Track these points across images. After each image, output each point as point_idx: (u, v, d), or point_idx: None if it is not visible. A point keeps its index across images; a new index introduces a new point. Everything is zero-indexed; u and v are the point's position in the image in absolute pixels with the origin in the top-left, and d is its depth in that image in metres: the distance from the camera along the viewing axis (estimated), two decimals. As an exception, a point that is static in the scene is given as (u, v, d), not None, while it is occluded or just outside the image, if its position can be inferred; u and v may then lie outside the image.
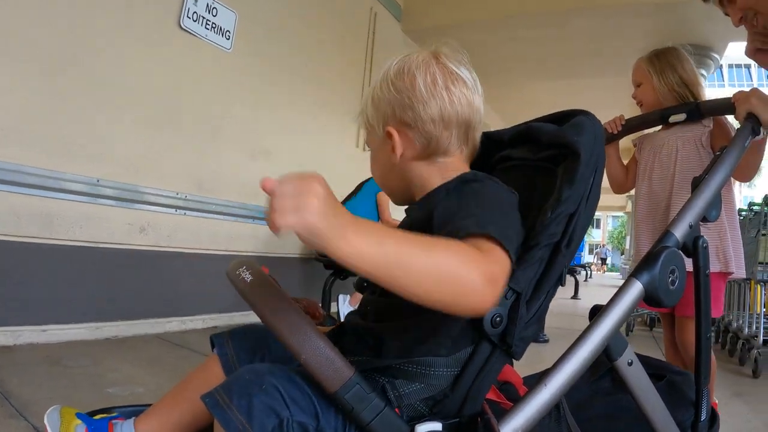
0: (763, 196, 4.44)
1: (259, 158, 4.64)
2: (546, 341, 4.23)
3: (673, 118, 2.02)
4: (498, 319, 0.91)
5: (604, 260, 36.55)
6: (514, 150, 1.14)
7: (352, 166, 5.82)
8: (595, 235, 49.99)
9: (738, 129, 1.52)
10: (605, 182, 1.31)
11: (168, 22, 3.74)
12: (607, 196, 2.29)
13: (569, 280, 10.40)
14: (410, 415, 0.93)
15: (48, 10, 3.01)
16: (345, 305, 4.79)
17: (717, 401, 1.98)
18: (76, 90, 3.18)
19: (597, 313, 1.02)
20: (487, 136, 1.17)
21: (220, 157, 4.24)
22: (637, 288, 1.03)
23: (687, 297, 1.98)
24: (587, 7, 5.93)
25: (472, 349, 0.95)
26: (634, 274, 1.04)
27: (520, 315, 0.92)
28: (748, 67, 37.97)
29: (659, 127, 2.24)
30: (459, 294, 0.78)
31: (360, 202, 4.88)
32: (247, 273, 0.93)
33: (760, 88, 1.65)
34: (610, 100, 9.86)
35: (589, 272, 20.94)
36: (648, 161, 2.22)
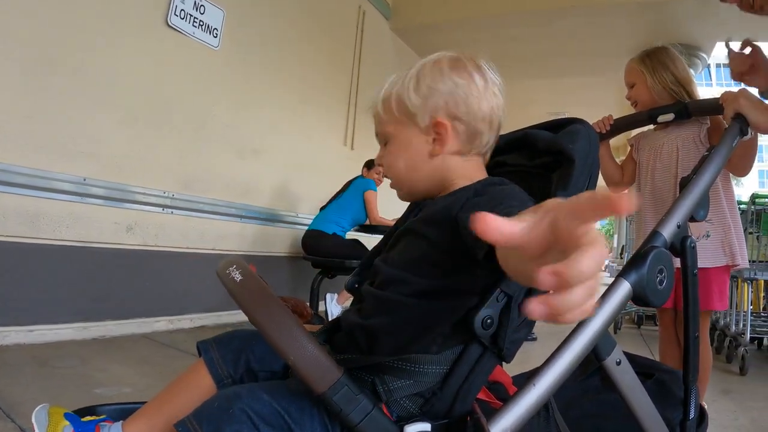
0: (750, 194, 4.47)
1: (246, 157, 4.62)
2: (534, 339, 4.24)
3: (661, 118, 2.03)
4: (489, 321, 0.91)
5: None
6: (509, 156, 1.15)
7: (340, 164, 5.84)
8: (582, 233, 50.31)
9: (726, 129, 1.53)
10: (600, 180, 1.31)
11: (155, 19, 3.72)
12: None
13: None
14: (400, 415, 0.93)
15: (33, 7, 2.99)
16: (333, 303, 4.79)
17: (704, 403, 2.00)
18: (62, 88, 3.16)
19: (585, 313, 1.02)
20: None
21: (207, 155, 4.22)
22: (625, 288, 1.03)
23: (700, 291, 2.01)
24: (574, 6, 5.95)
25: (462, 349, 0.95)
26: (622, 274, 1.04)
27: (512, 318, 0.93)
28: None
29: (653, 127, 2.25)
30: None
31: (348, 200, 4.88)
32: (237, 273, 0.92)
33: (748, 89, 1.67)
34: (597, 99, 9.94)
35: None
36: (649, 161, 2.23)
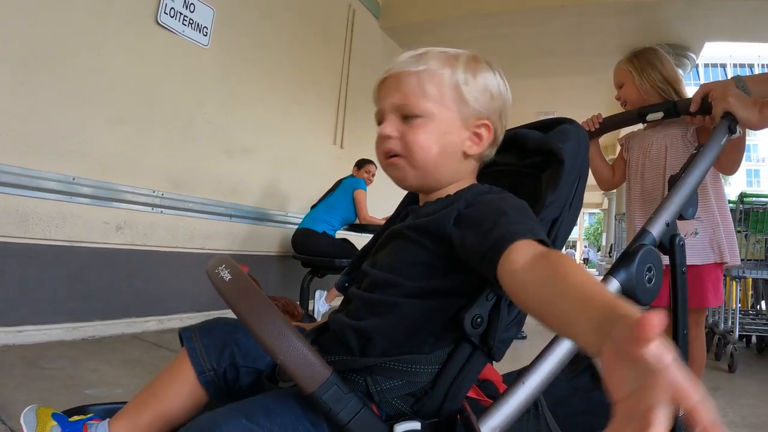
0: (738, 193, 4.50)
1: (236, 156, 4.62)
2: (524, 338, 4.25)
3: (650, 117, 2.04)
4: (479, 320, 0.91)
5: (586, 260, 36.64)
6: (499, 155, 1.14)
7: (329, 163, 5.84)
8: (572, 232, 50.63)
9: (715, 128, 1.53)
10: (591, 180, 1.32)
11: (145, 17, 3.70)
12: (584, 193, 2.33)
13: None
14: (389, 414, 0.93)
15: (20, 5, 2.97)
16: (320, 301, 4.80)
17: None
18: (51, 87, 3.14)
19: (575, 311, 1.02)
20: None
21: (196, 154, 4.21)
22: (614, 286, 1.03)
23: (693, 289, 2.03)
24: (564, 6, 5.97)
25: (453, 348, 0.95)
26: (611, 273, 1.04)
27: (501, 317, 0.93)
28: (723, 66, 38.55)
29: (643, 126, 2.27)
30: None
31: (337, 199, 4.89)
32: (227, 272, 0.92)
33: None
34: (586, 99, 9.97)
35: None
36: (638, 161, 2.25)
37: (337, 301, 4.83)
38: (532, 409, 1.00)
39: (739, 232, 4.23)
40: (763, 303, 5.11)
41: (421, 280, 0.96)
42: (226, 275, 0.91)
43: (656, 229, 1.16)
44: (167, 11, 3.80)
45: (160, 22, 3.76)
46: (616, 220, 6.98)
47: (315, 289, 4.86)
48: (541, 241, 0.82)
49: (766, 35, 6.40)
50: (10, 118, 2.94)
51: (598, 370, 1.03)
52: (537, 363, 0.96)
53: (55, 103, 3.16)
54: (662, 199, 1.23)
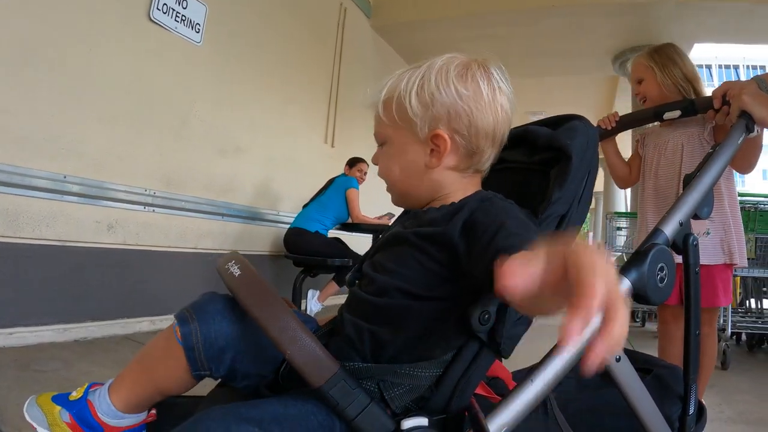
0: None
1: (228, 154, 4.60)
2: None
3: (667, 115, 2.02)
4: (486, 316, 0.90)
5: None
6: (508, 152, 1.13)
7: (321, 162, 5.84)
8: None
9: (732, 127, 1.51)
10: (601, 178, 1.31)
11: (137, 13, 3.68)
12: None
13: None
14: (397, 410, 0.92)
15: (12, 2, 2.93)
16: (313, 300, 4.79)
17: (703, 399, 2.01)
18: (42, 84, 3.10)
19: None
20: None
21: (189, 153, 4.19)
22: (624, 285, 1.03)
23: (705, 289, 2.03)
24: (556, 6, 6.01)
25: (460, 345, 0.94)
26: (623, 272, 1.03)
27: (509, 313, 0.92)
28: (737, 68, 38.78)
29: (658, 124, 2.26)
30: None
31: (330, 198, 4.88)
32: (236, 267, 0.93)
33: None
34: (578, 99, 10.04)
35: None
36: (653, 158, 2.24)
37: (331, 300, 4.82)
38: (541, 407, 1.00)
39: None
40: (752, 300, 5.15)
41: (431, 287, 0.95)
42: (236, 271, 0.93)
43: (669, 228, 1.14)
44: (160, 7, 3.77)
45: (152, 18, 3.73)
46: (606, 219, 6.98)
47: (307, 289, 4.84)
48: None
49: (754, 36, 6.47)
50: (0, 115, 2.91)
51: (608, 369, 1.02)
52: (547, 360, 0.95)
53: (46, 101, 3.13)
54: (676, 198, 1.22)
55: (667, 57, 2.20)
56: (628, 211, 6.96)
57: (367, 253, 1.17)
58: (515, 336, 0.96)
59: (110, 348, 3.15)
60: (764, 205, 4.42)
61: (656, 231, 1.14)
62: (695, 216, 1.21)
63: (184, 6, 3.96)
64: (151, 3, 3.72)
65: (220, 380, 1.05)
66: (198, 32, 4.11)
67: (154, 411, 1.06)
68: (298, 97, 5.56)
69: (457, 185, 1.04)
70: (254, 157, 4.94)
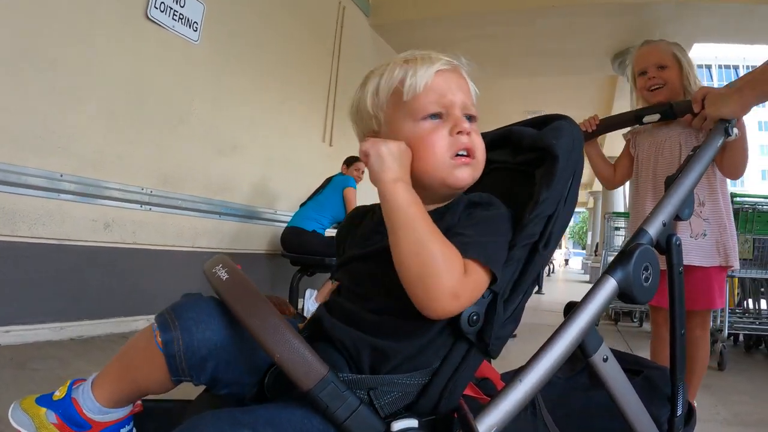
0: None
1: (225, 153, 4.60)
2: (514, 336, 4.25)
3: (647, 119, 2.03)
4: (475, 317, 0.91)
5: (566, 261, 36.89)
6: (494, 153, 1.13)
7: (319, 161, 5.83)
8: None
9: (711, 130, 1.56)
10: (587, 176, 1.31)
11: (135, 11, 3.68)
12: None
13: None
14: (386, 413, 0.92)
15: None
16: (310, 300, 4.78)
17: (695, 402, 2.02)
18: (38, 82, 3.10)
19: (572, 309, 1.03)
20: None
21: (186, 151, 4.19)
22: (611, 285, 1.04)
23: (702, 290, 2.02)
24: (554, 6, 6.01)
25: (450, 348, 0.95)
26: (608, 271, 1.04)
27: (497, 314, 0.93)
28: (736, 68, 38.82)
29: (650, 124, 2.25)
30: (425, 286, 0.85)
31: (327, 197, 4.88)
32: (223, 271, 0.92)
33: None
34: (576, 99, 10.03)
35: (552, 267, 21.35)
36: (650, 157, 2.22)
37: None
38: (530, 407, 1.01)
39: (726, 231, 4.25)
40: (750, 301, 5.15)
41: None
42: (223, 274, 0.92)
43: (653, 229, 1.16)
44: (157, 5, 3.77)
45: (149, 16, 3.73)
46: (605, 219, 6.99)
47: (305, 288, 4.84)
48: (484, 263, 0.89)
49: (754, 36, 6.47)
50: (-5, 114, 2.91)
51: (595, 369, 1.03)
52: (534, 361, 0.97)
53: (43, 99, 3.13)
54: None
55: (689, 61, 2.19)
56: (627, 211, 6.97)
57: (353, 255, 1.12)
58: (503, 336, 0.97)
59: (106, 346, 3.16)
60: (762, 206, 4.42)
61: (641, 231, 1.15)
62: (677, 217, 1.22)
63: (182, 5, 3.96)
64: (149, 1, 3.72)
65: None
66: (196, 31, 4.11)
67: (140, 402, 1.05)
68: (297, 96, 5.55)
69: (436, 194, 1.06)
70: (252, 156, 4.94)
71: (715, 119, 1.59)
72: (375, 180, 0.93)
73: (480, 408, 0.91)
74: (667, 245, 1.18)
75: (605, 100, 10.03)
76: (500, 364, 1.17)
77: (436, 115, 1.00)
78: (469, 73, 1.07)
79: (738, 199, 4.46)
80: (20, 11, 2.99)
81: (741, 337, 5.06)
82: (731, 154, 1.90)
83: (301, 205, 4.96)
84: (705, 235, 2.06)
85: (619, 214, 7.24)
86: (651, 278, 1.07)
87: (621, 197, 13.40)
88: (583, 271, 23.65)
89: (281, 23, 5.23)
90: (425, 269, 0.85)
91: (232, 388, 0.98)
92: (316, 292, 4.83)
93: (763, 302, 5.10)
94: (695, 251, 2.04)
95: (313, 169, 5.62)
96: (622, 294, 1.05)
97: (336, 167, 5.26)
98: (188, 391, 1.06)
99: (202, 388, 1.01)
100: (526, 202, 1.00)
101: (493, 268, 0.90)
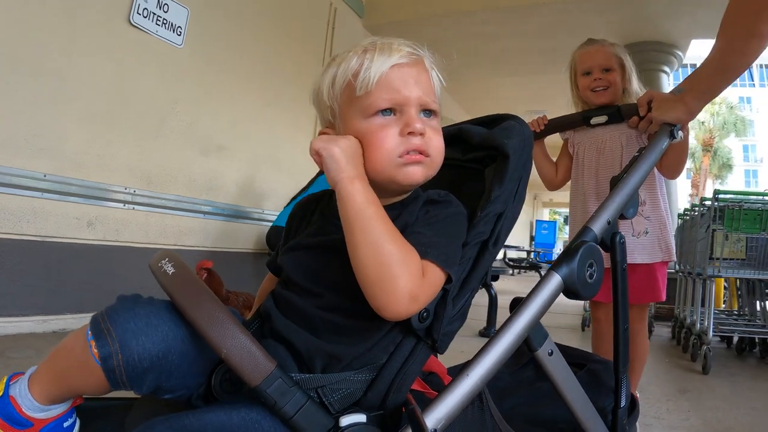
0: (713, 190, 4.49)
1: (211, 153, 4.60)
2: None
3: (594, 120, 2.08)
4: (425, 314, 0.93)
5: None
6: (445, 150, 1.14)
7: (307, 160, 5.79)
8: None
9: (656, 132, 1.62)
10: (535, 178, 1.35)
11: (117, 18, 3.69)
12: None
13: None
14: (336, 409, 0.92)
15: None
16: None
17: (637, 393, 2.04)
18: (23, 85, 3.13)
19: (518, 304, 1.05)
20: None
21: (170, 152, 4.20)
22: (556, 280, 1.06)
23: (648, 285, 2.08)
24: (547, 3, 5.98)
25: (397, 344, 0.96)
26: (554, 268, 1.07)
27: (447, 311, 0.95)
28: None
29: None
30: (384, 288, 0.85)
31: (313, 196, 4.87)
32: (169, 265, 0.92)
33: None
34: (568, 97, 10.01)
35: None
36: (591, 158, 2.23)
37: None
38: (477, 401, 1.02)
39: (715, 230, 4.21)
40: (737, 301, 5.09)
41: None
42: (169, 269, 0.91)
43: (597, 227, 1.18)
44: (140, 12, 3.78)
45: (132, 22, 3.74)
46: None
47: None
48: (443, 267, 0.91)
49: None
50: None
51: (541, 363, 1.05)
52: (480, 356, 0.98)
53: (27, 102, 3.15)
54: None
55: (632, 62, 2.23)
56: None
57: (303, 243, 1.10)
58: (451, 332, 0.99)
59: (88, 341, 3.17)
60: (748, 203, 4.33)
61: (585, 229, 1.17)
62: (621, 216, 1.25)
63: (166, 10, 3.96)
64: (132, 7, 3.73)
65: None
66: (180, 35, 4.10)
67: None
68: (284, 95, 5.53)
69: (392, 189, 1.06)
70: (238, 156, 4.94)
71: (661, 123, 1.64)
72: (331, 181, 0.92)
73: (428, 402, 0.92)
74: (612, 243, 1.21)
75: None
76: (453, 360, 1.19)
77: (388, 111, 0.96)
78: (435, 63, 1.03)
79: (724, 196, 4.42)
80: (4, 17, 3.01)
81: (735, 340, 4.81)
82: (672, 155, 1.94)
83: (287, 204, 4.96)
84: (647, 233, 2.11)
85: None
86: (595, 275, 1.09)
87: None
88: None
89: (269, 25, 5.22)
90: (384, 271, 0.84)
91: (176, 393, 0.94)
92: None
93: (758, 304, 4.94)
94: (638, 249, 2.09)
95: (301, 168, 5.60)
96: (567, 290, 1.07)
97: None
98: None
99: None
100: (473, 199, 1.03)
101: (450, 271, 0.91)
